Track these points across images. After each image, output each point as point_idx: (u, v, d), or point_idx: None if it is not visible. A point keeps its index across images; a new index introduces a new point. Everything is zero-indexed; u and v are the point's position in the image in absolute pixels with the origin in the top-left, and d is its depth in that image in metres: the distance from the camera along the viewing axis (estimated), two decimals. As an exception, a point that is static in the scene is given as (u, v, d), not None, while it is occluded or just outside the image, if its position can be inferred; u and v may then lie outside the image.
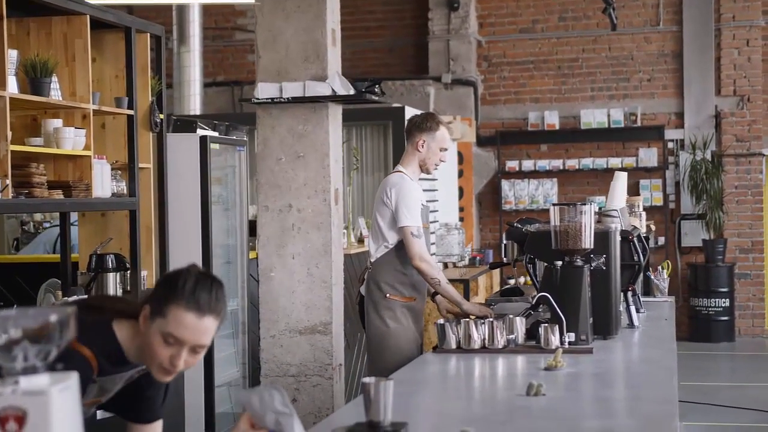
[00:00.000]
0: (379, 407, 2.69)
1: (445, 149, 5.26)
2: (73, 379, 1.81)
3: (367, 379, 2.67)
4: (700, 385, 9.47)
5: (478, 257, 11.25)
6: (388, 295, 5.14)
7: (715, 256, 12.00)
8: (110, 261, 5.48)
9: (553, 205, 4.42)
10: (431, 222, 10.22)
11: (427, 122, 5.24)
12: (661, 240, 12.31)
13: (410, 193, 5.10)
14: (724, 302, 11.95)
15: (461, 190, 12.30)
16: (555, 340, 4.11)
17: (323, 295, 5.97)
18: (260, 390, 2.50)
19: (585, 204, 4.39)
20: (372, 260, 5.27)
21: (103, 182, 5.31)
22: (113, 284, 5.52)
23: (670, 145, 12.46)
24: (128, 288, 5.65)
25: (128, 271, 5.62)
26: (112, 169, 5.52)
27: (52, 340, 1.81)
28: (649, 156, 12.37)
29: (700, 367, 10.63)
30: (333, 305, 5.99)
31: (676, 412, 2.92)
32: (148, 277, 5.86)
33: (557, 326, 4.14)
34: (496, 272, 11.14)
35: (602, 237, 4.49)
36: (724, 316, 11.98)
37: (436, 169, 5.33)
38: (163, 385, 2.80)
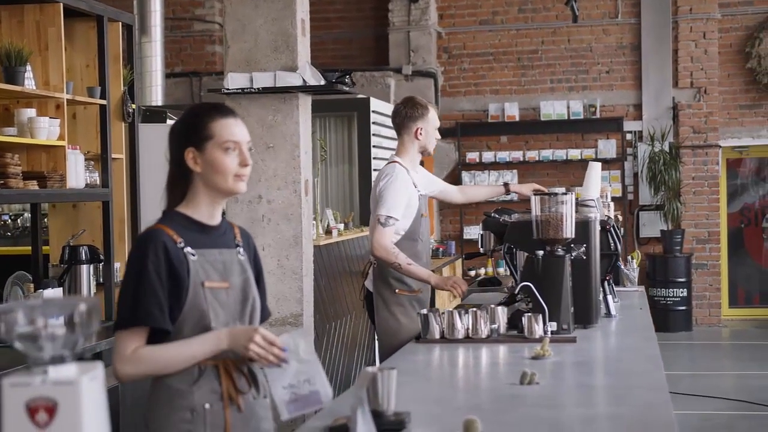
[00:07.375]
0: (383, 396, 2.70)
1: (438, 126, 5.43)
2: (99, 368, 1.79)
3: (370, 369, 2.67)
4: (661, 374, 9.58)
5: (441, 248, 11.29)
6: (397, 290, 5.09)
7: (673, 246, 12.14)
8: (84, 253, 5.39)
9: (535, 194, 4.43)
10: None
11: (418, 110, 5.30)
12: (621, 230, 12.41)
13: (399, 184, 5.06)
14: (682, 292, 12.10)
15: (422, 182, 12.30)
16: (539, 330, 4.13)
17: (294, 287, 5.95)
18: (285, 339, 2.55)
19: (566, 194, 4.40)
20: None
21: (77, 173, 5.24)
22: (86, 276, 5.44)
23: (629, 136, 12.57)
24: (101, 280, 5.58)
25: (102, 263, 5.55)
26: (85, 160, 5.45)
27: (80, 330, 1.79)
28: (608, 147, 12.46)
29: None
30: (303, 297, 5.97)
31: (669, 399, 2.95)
32: (122, 268, 5.80)
33: (540, 316, 4.16)
34: (458, 263, 11.19)
35: (583, 226, 4.50)
36: (682, 305, 12.13)
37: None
38: (256, 264, 3.01)
